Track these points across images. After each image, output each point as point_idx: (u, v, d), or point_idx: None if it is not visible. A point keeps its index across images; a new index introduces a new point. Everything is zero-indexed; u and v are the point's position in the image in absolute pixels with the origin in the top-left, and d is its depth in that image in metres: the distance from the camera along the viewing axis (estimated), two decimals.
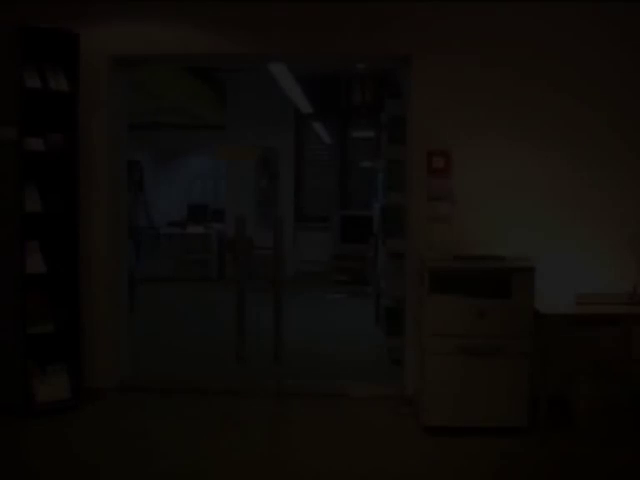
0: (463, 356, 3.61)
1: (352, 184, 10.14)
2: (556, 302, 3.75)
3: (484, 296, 3.66)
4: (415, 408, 4.02)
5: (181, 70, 7.94)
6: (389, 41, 4.11)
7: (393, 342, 4.97)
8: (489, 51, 4.08)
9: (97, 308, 4.33)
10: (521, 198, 4.10)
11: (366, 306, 7.30)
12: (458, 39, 4.07)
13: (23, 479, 3.21)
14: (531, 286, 3.60)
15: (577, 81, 4.06)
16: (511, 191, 4.10)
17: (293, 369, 4.57)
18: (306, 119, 9.86)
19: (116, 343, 4.50)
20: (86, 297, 4.26)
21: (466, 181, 4.13)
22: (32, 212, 3.91)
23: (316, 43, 4.19)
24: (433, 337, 3.62)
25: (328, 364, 5.16)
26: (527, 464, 3.38)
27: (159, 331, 6.30)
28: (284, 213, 9.26)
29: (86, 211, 4.24)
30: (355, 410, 4.16)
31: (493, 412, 3.63)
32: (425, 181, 4.14)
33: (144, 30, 4.24)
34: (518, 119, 4.09)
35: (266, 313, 4.55)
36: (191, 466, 3.34)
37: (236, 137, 9.32)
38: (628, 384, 3.71)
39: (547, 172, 4.09)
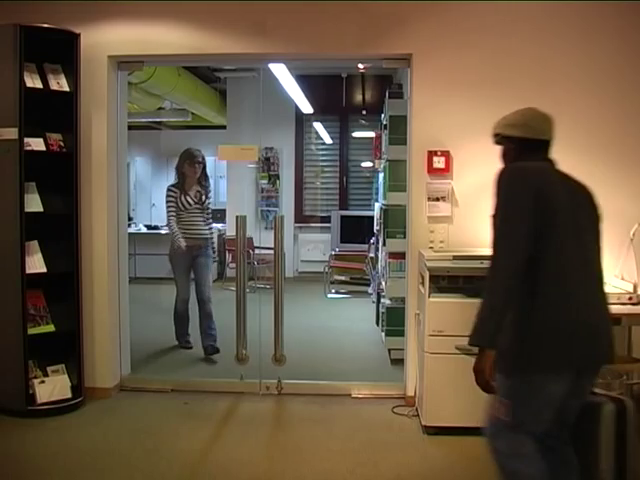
0: (463, 356, 3.60)
1: (352, 184, 10.14)
2: None
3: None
4: (415, 408, 4.02)
5: (181, 70, 7.96)
6: (389, 41, 4.11)
7: (393, 342, 4.97)
8: (489, 50, 4.07)
9: (97, 308, 4.33)
10: None
11: (366, 306, 7.30)
12: (458, 38, 4.07)
13: (23, 479, 3.21)
14: None
15: (578, 80, 4.06)
16: None
17: (293, 369, 4.57)
18: (306, 119, 9.87)
19: (116, 343, 4.50)
20: (86, 297, 4.27)
21: (466, 181, 4.13)
22: (32, 212, 3.91)
23: (316, 43, 4.19)
24: (433, 337, 3.62)
25: (328, 364, 5.16)
26: None
27: (159, 331, 6.29)
28: (284, 213, 9.27)
29: (86, 211, 4.25)
30: (355, 410, 4.16)
31: None
32: (425, 181, 4.14)
33: (144, 30, 4.24)
34: None
35: (266, 313, 4.55)
36: (193, 466, 3.35)
37: (237, 137, 9.32)
38: (628, 384, 3.70)
39: None
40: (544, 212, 2.13)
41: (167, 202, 5.35)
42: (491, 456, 2.28)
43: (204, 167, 5.45)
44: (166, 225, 5.55)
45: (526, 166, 2.28)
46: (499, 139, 2.48)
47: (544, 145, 2.40)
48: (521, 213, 2.12)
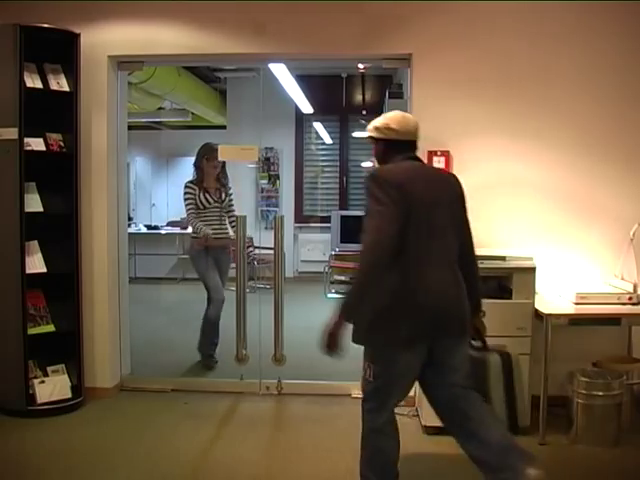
0: None
1: (352, 184, 10.14)
2: (556, 302, 3.75)
3: (484, 296, 3.64)
4: (415, 408, 4.02)
5: (182, 70, 7.96)
6: (389, 41, 4.11)
7: None
8: (490, 50, 4.07)
9: (97, 308, 4.33)
10: (521, 198, 4.10)
11: None
12: (458, 38, 4.07)
13: (23, 479, 3.20)
14: (531, 286, 3.60)
15: (578, 78, 4.05)
16: (511, 191, 4.10)
17: (293, 369, 4.57)
18: (306, 119, 9.87)
19: (116, 343, 4.50)
20: (86, 297, 4.27)
21: (466, 181, 4.11)
22: (32, 212, 3.90)
23: (316, 43, 4.19)
24: None
25: (328, 364, 5.14)
26: None
27: (159, 331, 6.30)
28: (284, 213, 9.27)
29: (86, 211, 4.25)
30: (355, 410, 4.13)
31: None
32: None
33: (144, 30, 4.24)
34: (519, 118, 4.08)
35: (266, 313, 4.55)
36: (193, 465, 3.35)
37: (237, 137, 9.31)
38: (628, 384, 3.70)
39: (548, 171, 4.09)
40: (406, 204, 2.46)
41: (185, 200, 4.97)
42: (362, 417, 2.79)
43: (224, 163, 5.05)
44: (188, 223, 5.14)
45: (386, 168, 2.65)
46: (370, 140, 2.78)
47: (407, 145, 2.71)
48: (387, 207, 2.44)
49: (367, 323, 2.58)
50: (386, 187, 2.47)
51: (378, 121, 2.76)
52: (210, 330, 5.08)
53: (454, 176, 2.78)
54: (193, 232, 5.02)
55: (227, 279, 5.16)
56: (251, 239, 7.66)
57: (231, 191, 5.17)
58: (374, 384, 2.66)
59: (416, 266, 2.50)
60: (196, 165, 5.06)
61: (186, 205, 4.98)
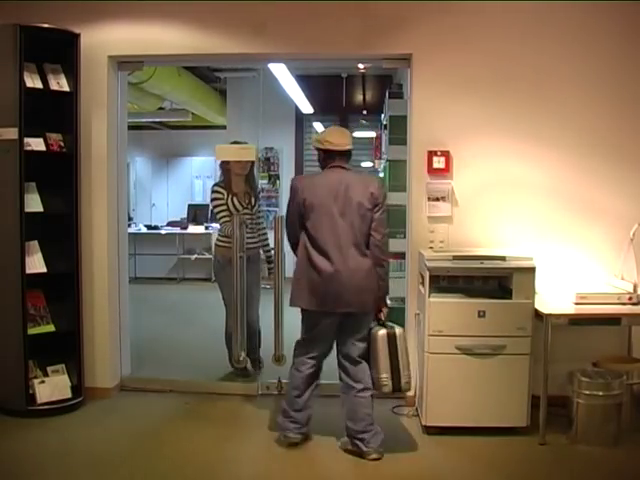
0: (463, 356, 3.61)
1: None
2: (556, 302, 3.75)
3: (484, 296, 3.66)
4: (415, 408, 4.02)
5: (182, 70, 7.96)
6: (389, 41, 4.11)
7: None
8: (490, 50, 4.07)
9: (97, 308, 4.33)
10: (521, 198, 4.10)
11: None
12: (458, 38, 4.07)
13: (24, 479, 3.20)
14: (531, 286, 3.60)
15: (577, 79, 4.05)
16: (511, 190, 4.10)
17: None
18: (306, 119, 9.86)
19: (116, 343, 4.50)
20: (86, 297, 4.27)
21: (466, 181, 4.13)
22: (32, 212, 3.90)
23: (316, 43, 4.19)
24: (433, 337, 3.62)
25: (328, 364, 5.14)
26: (527, 464, 3.38)
27: (159, 331, 6.30)
28: (284, 213, 9.25)
29: (86, 211, 4.25)
30: None
31: (493, 412, 3.63)
32: (425, 181, 4.14)
33: (144, 30, 4.24)
34: (519, 118, 4.08)
35: (266, 313, 4.55)
36: (194, 465, 3.35)
37: (237, 137, 9.28)
38: (628, 384, 3.70)
39: (548, 171, 4.09)
40: (304, 204, 3.33)
41: (216, 205, 4.53)
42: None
43: (252, 164, 4.61)
44: (221, 231, 4.66)
45: (299, 177, 3.57)
46: (314, 149, 3.50)
47: (337, 154, 3.40)
48: (289, 205, 3.45)
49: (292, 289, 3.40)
50: (292, 191, 3.40)
51: (320, 134, 3.46)
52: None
53: (373, 180, 3.45)
54: (219, 239, 4.67)
55: (258, 292, 4.80)
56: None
57: (260, 194, 4.70)
58: (304, 338, 3.50)
59: (319, 251, 3.28)
60: (222, 165, 4.62)
61: (217, 211, 4.56)
